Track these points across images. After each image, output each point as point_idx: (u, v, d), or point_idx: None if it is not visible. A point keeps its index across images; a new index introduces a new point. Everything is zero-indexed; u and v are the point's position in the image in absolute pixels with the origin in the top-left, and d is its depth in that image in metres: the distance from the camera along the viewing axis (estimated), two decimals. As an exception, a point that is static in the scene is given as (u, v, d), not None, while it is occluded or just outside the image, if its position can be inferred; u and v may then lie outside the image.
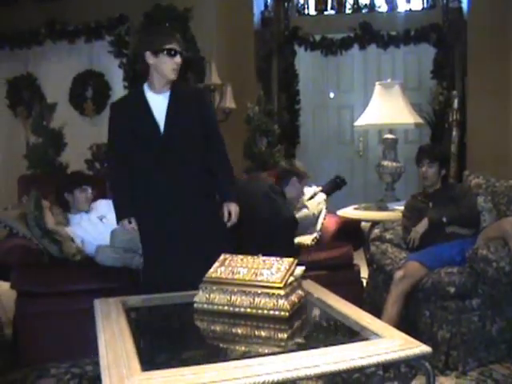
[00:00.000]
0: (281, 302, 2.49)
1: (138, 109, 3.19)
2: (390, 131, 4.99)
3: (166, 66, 3.10)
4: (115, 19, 6.86)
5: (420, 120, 5.01)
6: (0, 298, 4.45)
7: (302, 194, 4.23)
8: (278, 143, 5.72)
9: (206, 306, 2.62)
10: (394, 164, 4.85)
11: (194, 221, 3.18)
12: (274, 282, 2.54)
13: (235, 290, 2.58)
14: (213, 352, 2.36)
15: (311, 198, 4.49)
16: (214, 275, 2.66)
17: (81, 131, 6.49)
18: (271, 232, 3.70)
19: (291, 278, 2.62)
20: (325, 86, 7.77)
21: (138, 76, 5.27)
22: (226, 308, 2.58)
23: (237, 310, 2.55)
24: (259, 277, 2.58)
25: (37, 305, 3.58)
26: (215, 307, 2.60)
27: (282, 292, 2.51)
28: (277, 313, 2.49)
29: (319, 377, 2.27)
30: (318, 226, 4.35)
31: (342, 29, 7.13)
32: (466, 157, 6.54)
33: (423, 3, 7.22)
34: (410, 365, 3.05)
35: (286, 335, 2.48)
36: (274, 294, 2.51)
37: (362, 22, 7.05)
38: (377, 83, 5.02)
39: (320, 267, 3.91)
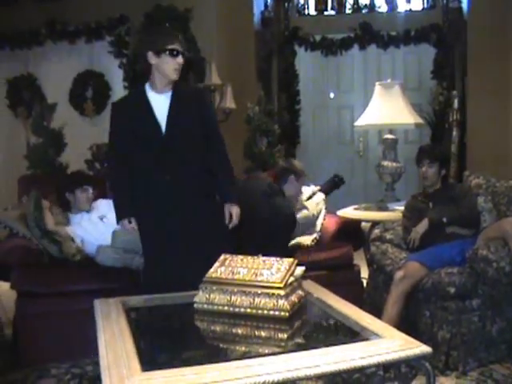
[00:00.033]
0: (281, 302, 2.49)
1: (140, 108, 3.19)
2: (390, 131, 4.99)
3: (168, 66, 3.11)
4: (115, 19, 6.86)
5: (420, 120, 5.01)
6: (0, 298, 4.45)
7: (301, 192, 4.22)
8: (278, 143, 5.72)
9: (206, 306, 2.62)
10: (394, 164, 4.85)
11: (193, 221, 3.18)
12: (274, 282, 2.54)
13: (235, 290, 2.58)
14: (213, 352, 2.36)
15: (309, 197, 4.49)
16: (214, 275, 2.66)
17: (81, 131, 6.49)
18: (271, 231, 3.70)
19: (291, 279, 2.62)
20: (325, 86, 7.77)
21: (137, 76, 5.28)
22: (226, 308, 2.58)
23: (237, 310, 2.56)
24: (259, 277, 2.58)
25: (37, 305, 3.58)
26: (215, 307, 2.60)
27: (282, 292, 2.51)
28: (277, 313, 2.49)
29: (319, 377, 2.27)
30: (318, 227, 4.35)
31: (342, 29, 7.13)
32: (466, 157, 6.54)
33: (423, 3, 7.23)
34: (411, 365, 3.04)
35: (286, 335, 2.48)
36: (274, 294, 2.51)
37: (362, 22, 7.05)
38: (377, 83, 5.02)
39: (320, 267, 3.91)
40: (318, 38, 7.23)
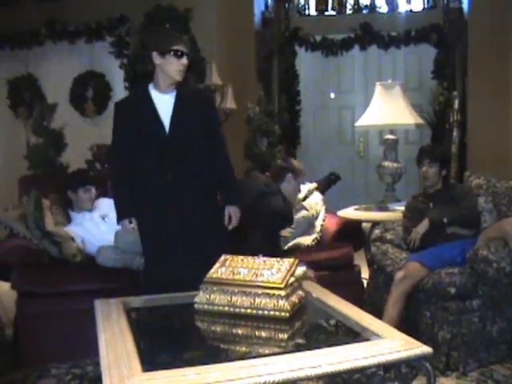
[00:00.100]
0: (281, 302, 2.49)
1: (143, 108, 3.20)
2: (391, 132, 4.99)
3: (172, 66, 3.11)
4: (116, 20, 6.86)
5: (421, 120, 5.01)
6: (1, 298, 4.45)
7: (299, 190, 4.21)
8: (279, 144, 5.72)
9: (206, 306, 2.62)
10: (395, 164, 4.85)
11: (193, 221, 3.19)
12: (275, 283, 2.54)
13: (236, 290, 2.58)
14: (213, 353, 2.36)
15: (306, 197, 4.50)
16: (214, 276, 2.66)
17: (81, 132, 6.49)
18: (265, 230, 3.68)
19: (292, 279, 2.62)
20: (325, 87, 7.78)
21: (138, 77, 5.28)
22: (226, 309, 2.57)
23: (237, 310, 2.55)
24: (260, 277, 2.58)
25: (37, 305, 3.58)
26: (216, 308, 2.60)
27: (282, 293, 2.50)
28: (277, 313, 2.49)
29: (320, 377, 2.27)
30: (318, 227, 4.35)
31: (342, 29, 7.14)
32: (467, 157, 6.54)
33: (424, 4, 7.23)
34: (411, 365, 3.04)
35: (286, 336, 2.48)
36: (274, 294, 2.51)
37: (363, 22, 7.06)
38: (377, 84, 5.02)
39: (320, 268, 3.90)
40: (318, 38, 7.23)
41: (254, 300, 2.53)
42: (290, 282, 2.59)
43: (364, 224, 4.76)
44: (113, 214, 3.51)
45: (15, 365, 3.47)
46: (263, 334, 2.52)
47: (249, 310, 2.53)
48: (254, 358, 2.11)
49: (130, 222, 3.23)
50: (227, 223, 3.30)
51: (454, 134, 6.27)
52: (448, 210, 3.69)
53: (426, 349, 2.09)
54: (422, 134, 6.90)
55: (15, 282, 3.65)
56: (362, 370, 2.09)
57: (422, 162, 3.88)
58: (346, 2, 7.39)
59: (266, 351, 2.35)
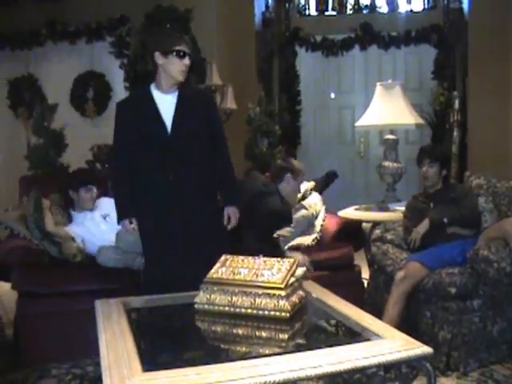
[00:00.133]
0: (281, 302, 2.49)
1: (145, 108, 3.20)
2: (391, 132, 4.99)
3: (175, 67, 3.12)
4: (116, 20, 6.88)
5: (421, 121, 5.01)
6: (1, 298, 4.46)
7: (299, 190, 4.19)
8: (279, 144, 5.72)
9: (206, 306, 2.62)
10: (395, 164, 4.85)
11: (194, 221, 3.19)
12: (275, 283, 2.54)
13: (236, 290, 2.58)
14: (214, 353, 2.36)
15: (304, 197, 4.50)
16: (215, 276, 2.66)
17: (82, 132, 6.50)
18: (260, 229, 3.68)
19: (292, 279, 2.62)
20: (326, 87, 7.78)
21: (138, 77, 5.28)
22: (226, 309, 2.58)
23: (238, 310, 2.56)
24: (260, 277, 2.58)
25: (38, 305, 3.58)
26: (216, 308, 2.60)
27: (282, 293, 2.51)
28: (278, 313, 2.49)
29: (320, 377, 2.27)
30: (318, 227, 4.35)
31: (342, 29, 7.14)
32: (467, 157, 6.54)
33: (424, 4, 7.24)
34: (411, 365, 3.04)
35: (286, 336, 2.48)
36: (274, 294, 2.51)
37: (363, 22, 7.07)
38: (378, 84, 5.02)
39: (321, 268, 3.90)
40: (318, 38, 7.24)
41: (255, 300, 2.53)
42: (291, 282, 2.59)
43: (364, 224, 4.76)
44: (114, 214, 3.50)
45: (16, 365, 3.47)
46: (264, 334, 2.52)
47: (249, 310, 2.53)
48: (255, 358, 2.11)
49: (131, 223, 3.23)
50: (226, 223, 3.30)
51: (455, 134, 6.27)
52: (448, 210, 3.69)
53: (426, 349, 2.09)
54: (422, 134, 6.90)
55: (16, 283, 3.65)
56: (362, 370, 2.09)
57: (422, 161, 3.88)
58: (346, 2, 7.39)
59: (267, 351, 2.35)
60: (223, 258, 2.77)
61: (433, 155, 3.86)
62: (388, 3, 7.29)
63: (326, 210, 4.50)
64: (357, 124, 5.12)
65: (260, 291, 2.54)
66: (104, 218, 4.06)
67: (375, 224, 4.47)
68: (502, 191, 3.90)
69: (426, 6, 7.22)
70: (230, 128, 5.09)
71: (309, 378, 1.94)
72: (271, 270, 2.61)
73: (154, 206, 3.20)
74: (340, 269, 4.09)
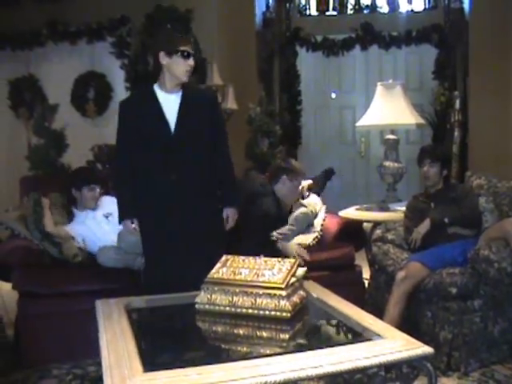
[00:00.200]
0: (282, 302, 2.50)
1: (149, 107, 3.19)
2: (392, 132, 4.98)
3: (179, 67, 3.11)
4: (116, 20, 6.87)
5: (421, 121, 5.00)
6: (2, 298, 4.46)
7: (296, 192, 4.17)
8: (280, 144, 5.72)
9: (207, 306, 2.62)
10: (396, 165, 4.85)
11: (197, 221, 3.19)
12: (276, 283, 2.54)
13: (237, 290, 2.58)
14: (214, 353, 2.36)
15: (302, 196, 4.51)
16: (215, 276, 2.66)
17: (82, 132, 6.49)
18: (253, 230, 3.68)
19: (293, 279, 2.62)
20: (326, 87, 7.78)
21: (139, 77, 5.28)
22: (227, 309, 2.58)
23: (238, 310, 2.56)
24: (261, 277, 2.59)
25: (38, 305, 3.58)
26: (217, 308, 2.60)
27: (283, 293, 2.51)
28: (278, 313, 2.49)
29: (321, 377, 2.27)
30: (318, 227, 4.35)
31: (343, 29, 7.14)
32: (468, 157, 6.54)
33: (425, 4, 7.23)
34: (412, 365, 3.04)
35: (287, 336, 2.48)
36: (275, 294, 2.51)
37: (364, 22, 7.06)
38: (378, 84, 5.02)
39: (321, 268, 3.90)
40: (319, 38, 7.24)
41: (255, 300, 2.53)
42: (291, 282, 2.59)
43: (365, 224, 4.76)
44: (116, 213, 3.49)
45: (16, 365, 3.47)
46: (264, 334, 2.52)
47: (250, 311, 2.54)
48: (256, 358, 2.11)
49: (132, 223, 3.23)
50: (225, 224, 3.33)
51: (455, 134, 6.28)
52: (449, 210, 3.69)
53: (427, 349, 2.09)
54: (422, 134, 6.90)
55: (16, 283, 3.65)
56: (363, 370, 2.09)
57: (423, 161, 3.87)
58: (346, 2, 7.39)
59: (268, 351, 2.35)
60: (224, 258, 2.77)
61: (433, 155, 3.86)
62: (389, 3, 7.28)
63: (327, 210, 4.50)
64: (357, 124, 5.12)
65: (261, 291, 2.54)
66: (106, 217, 4.05)
67: (376, 224, 4.47)
68: (503, 191, 3.89)
69: (427, 6, 7.22)
70: (230, 128, 5.08)
71: (310, 378, 1.94)
72: (272, 270, 2.61)
73: (155, 206, 3.20)
74: (341, 269, 4.09)
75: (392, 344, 2.14)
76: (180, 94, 3.20)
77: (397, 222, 4.15)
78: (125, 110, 3.26)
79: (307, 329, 2.67)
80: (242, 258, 2.74)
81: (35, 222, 3.87)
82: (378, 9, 7.30)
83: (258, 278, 2.59)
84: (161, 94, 3.19)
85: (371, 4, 7.31)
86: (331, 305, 2.68)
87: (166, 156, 3.16)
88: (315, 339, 2.55)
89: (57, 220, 3.99)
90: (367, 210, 4.82)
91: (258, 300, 2.53)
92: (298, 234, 4.30)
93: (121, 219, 3.26)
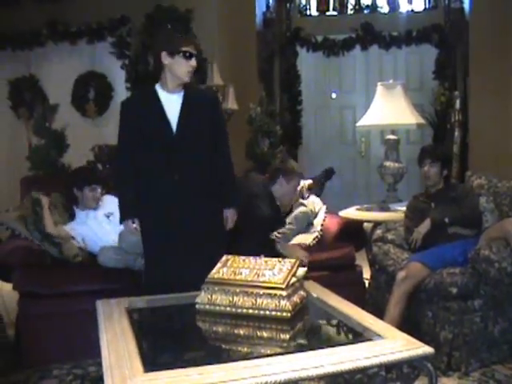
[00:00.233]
0: (283, 302, 2.49)
1: (151, 107, 3.19)
2: (392, 132, 4.98)
3: (181, 67, 3.11)
4: (117, 20, 6.88)
5: (422, 121, 5.00)
6: (3, 299, 4.46)
7: (294, 193, 4.16)
8: (280, 144, 5.72)
9: (207, 306, 2.62)
10: (396, 165, 4.85)
11: (198, 221, 3.19)
12: (276, 283, 2.54)
13: (237, 290, 2.58)
14: (215, 353, 2.36)
15: (302, 195, 4.51)
16: (216, 276, 2.66)
17: (83, 132, 6.49)
18: (248, 231, 3.68)
19: (293, 279, 2.62)
20: (327, 87, 7.78)
21: (140, 77, 5.28)
22: (228, 309, 2.58)
23: (239, 310, 2.56)
24: (261, 277, 2.59)
25: (39, 306, 3.58)
26: (217, 308, 2.60)
27: (284, 293, 2.51)
28: (279, 313, 2.49)
29: (322, 377, 2.27)
30: (318, 227, 4.35)
31: (343, 29, 7.15)
32: (468, 157, 6.54)
33: (425, 4, 7.24)
34: (413, 365, 3.03)
35: (288, 336, 2.48)
36: (276, 294, 2.51)
37: (364, 22, 7.07)
38: (379, 84, 5.02)
39: (322, 268, 3.90)
40: (319, 38, 7.25)
41: (256, 300, 2.53)
42: (292, 282, 2.59)
43: (365, 224, 4.76)
44: (118, 213, 3.49)
45: (17, 365, 3.47)
46: (265, 334, 2.52)
47: (250, 311, 2.53)
48: (256, 358, 2.11)
49: (133, 223, 3.23)
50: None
51: (456, 133, 6.28)
52: (449, 210, 3.69)
53: (427, 349, 2.09)
54: (423, 134, 6.90)
55: (17, 283, 3.65)
56: (364, 370, 2.09)
57: (423, 161, 3.87)
58: (347, 2, 7.39)
59: (268, 351, 2.35)
60: (224, 258, 2.77)
61: (434, 155, 3.86)
62: (389, 3, 7.29)
63: (327, 210, 4.50)
64: (358, 124, 5.12)
65: (261, 291, 2.54)
66: (107, 216, 4.05)
67: (376, 224, 4.47)
68: (503, 191, 3.89)
69: (427, 6, 7.22)
70: (231, 128, 5.07)
71: (310, 378, 1.94)
72: (272, 270, 2.61)
73: (158, 206, 3.20)
74: (341, 269, 4.09)
75: (392, 344, 2.14)
76: (182, 94, 3.20)
77: (397, 222, 4.15)
78: (127, 109, 3.26)
79: (308, 329, 2.67)
80: (243, 258, 2.74)
81: (35, 223, 3.87)
82: (379, 9, 7.31)
83: (259, 278, 2.59)
84: (163, 94, 3.19)
85: (371, 4, 7.31)
86: (331, 305, 2.68)
87: (168, 156, 3.16)
88: (316, 339, 2.55)
89: (56, 220, 3.99)
90: (367, 210, 4.82)
91: (259, 300, 2.53)
92: (297, 234, 4.31)
93: (122, 219, 3.25)
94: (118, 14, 6.83)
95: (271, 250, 3.74)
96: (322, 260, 4.02)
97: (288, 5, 7.33)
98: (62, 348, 3.54)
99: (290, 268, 2.62)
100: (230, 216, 3.34)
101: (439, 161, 3.84)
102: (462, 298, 3.33)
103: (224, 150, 3.32)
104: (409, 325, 3.29)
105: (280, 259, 2.72)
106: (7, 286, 3.92)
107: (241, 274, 2.63)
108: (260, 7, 7.16)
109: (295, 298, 2.59)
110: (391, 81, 5.07)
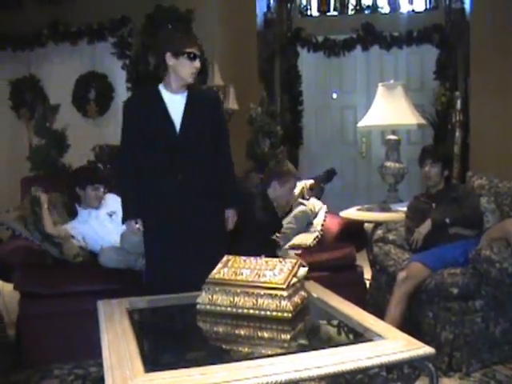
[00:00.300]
0: (283, 303, 2.49)
1: (154, 107, 3.20)
2: (393, 132, 4.98)
3: (185, 69, 3.12)
4: (117, 21, 6.88)
5: (423, 121, 5.00)
6: (3, 299, 4.46)
7: (289, 195, 4.16)
8: (281, 144, 5.71)
9: (208, 307, 2.62)
10: (397, 165, 4.85)
11: (200, 221, 3.19)
12: (277, 283, 2.54)
13: (238, 291, 2.58)
14: (216, 353, 2.36)
15: (302, 196, 4.51)
16: (217, 276, 2.66)
17: (83, 133, 6.49)
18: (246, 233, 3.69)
19: (294, 279, 2.62)
20: (327, 87, 7.76)
21: (140, 77, 5.28)
22: (228, 309, 2.58)
23: (240, 311, 2.56)
24: (262, 278, 2.59)
25: (40, 306, 3.58)
26: (218, 308, 2.60)
27: (284, 293, 2.51)
28: (280, 314, 2.49)
29: (323, 377, 2.27)
30: (319, 227, 4.35)
31: (344, 30, 7.14)
32: (469, 157, 6.53)
33: (426, 4, 7.23)
34: (413, 366, 3.03)
35: (289, 336, 2.48)
36: (276, 295, 2.51)
37: (365, 22, 7.07)
38: (379, 84, 5.02)
39: (323, 268, 3.90)
40: (320, 38, 7.25)
41: (257, 300, 2.53)
42: (293, 282, 2.59)
43: (366, 224, 4.76)
44: (120, 212, 3.49)
45: (18, 365, 3.47)
46: (266, 334, 2.52)
47: (251, 311, 2.53)
48: (258, 358, 2.11)
49: (136, 223, 3.23)
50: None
51: (457, 134, 6.27)
52: (450, 211, 3.69)
53: (428, 349, 2.09)
54: (424, 135, 6.89)
55: (18, 283, 3.65)
56: (365, 371, 2.09)
57: (424, 162, 3.87)
58: (348, 3, 7.39)
59: (269, 352, 2.35)
60: (225, 258, 2.77)
61: (435, 155, 3.86)
62: (390, 3, 7.28)
63: (328, 211, 4.50)
64: (359, 124, 5.12)
65: (262, 292, 2.54)
66: (110, 215, 4.05)
67: (377, 224, 4.47)
68: (504, 191, 3.89)
69: (428, 6, 7.21)
70: (231, 128, 5.04)
71: (312, 379, 1.94)
72: (273, 271, 2.61)
73: (160, 206, 3.20)
74: (342, 269, 4.09)
75: (393, 344, 2.14)
76: (185, 94, 3.21)
77: (398, 223, 4.15)
78: (129, 109, 3.26)
79: (308, 329, 2.67)
80: (244, 258, 2.74)
81: (35, 223, 3.88)
82: (379, 9, 7.30)
83: (260, 278, 2.59)
84: (166, 95, 3.20)
85: (372, 4, 7.30)
86: (332, 305, 2.68)
87: (171, 156, 3.16)
88: (316, 340, 2.55)
89: (56, 220, 3.99)
90: (368, 210, 4.82)
91: (260, 300, 2.53)
92: (298, 233, 4.31)
93: (124, 219, 3.25)
94: (119, 14, 6.83)
95: (272, 251, 3.74)
96: (323, 260, 4.02)
97: (289, 5, 7.32)
98: (63, 348, 3.54)
99: (290, 268, 2.62)
100: (230, 216, 3.34)
101: (440, 161, 3.84)
102: (462, 299, 3.33)
103: (225, 150, 3.33)
104: (409, 325, 3.29)
105: (281, 259, 2.72)
106: (8, 286, 3.92)
107: (242, 274, 2.63)
108: (261, 7, 7.15)
109: (296, 299, 2.59)
110: (392, 81, 5.07)
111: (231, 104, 6.13)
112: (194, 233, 3.18)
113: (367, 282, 4.25)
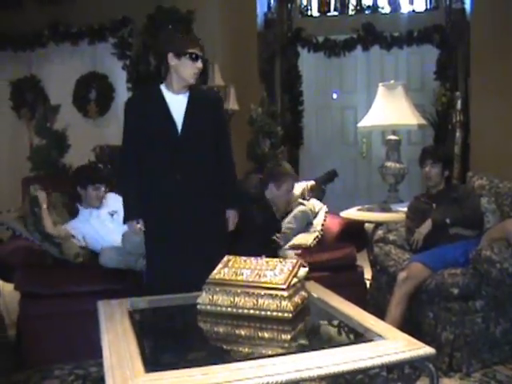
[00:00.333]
0: (284, 303, 2.49)
1: (156, 107, 3.20)
2: (393, 132, 4.98)
3: (187, 69, 3.12)
4: (118, 21, 6.89)
5: (423, 121, 5.00)
6: (4, 299, 4.46)
7: (286, 196, 4.16)
8: (281, 144, 5.72)
9: (209, 307, 2.62)
10: (398, 165, 4.85)
11: (200, 221, 3.19)
12: (277, 284, 2.54)
13: (238, 291, 2.58)
14: (216, 353, 2.36)
15: (304, 197, 4.51)
16: (217, 276, 2.66)
17: (84, 133, 6.50)
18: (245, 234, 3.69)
19: (294, 280, 2.62)
20: (328, 87, 7.76)
21: (141, 78, 5.28)
22: (229, 309, 2.58)
23: (240, 311, 2.56)
24: (262, 278, 2.59)
25: (40, 306, 3.58)
26: (218, 309, 2.60)
27: (285, 293, 2.51)
28: (280, 314, 2.49)
29: (323, 377, 2.27)
30: (319, 227, 4.35)
31: (345, 30, 7.15)
32: (470, 158, 6.53)
33: (426, 4, 7.23)
34: (414, 366, 3.03)
35: (289, 336, 2.48)
36: (277, 295, 2.51)
37: (365, 23, 7.07)
38: (380, 84, 5.02)
39: (323, 268, 3.90)
40: (320, 39, 7.25)
41: (257, 301, 2.53)
42: (293, 282, 2.59)
43: (367, 225, 4.76)
44: (122, 211, 3.49)
45: (18, 366, 3.47)
46: (266, 334, 2.52)
47: (252, 311, 2.53)
48: (260, 358, 2.11)
49: (138, 223, 3.23)
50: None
51: (457, 134, 6.27)
52: (451, 211, 3.69)
53: (428, 349, 2.10)
54: (424, 135, 6.89)
55: (18, 283, 3.65)
56: (365, 371, 2.09)
57: (424, 162, 3.87)
58: (348, 3, 7.39)
59: (270, 352, 2.35)
60: (225, 258, 2.77)
61: (435, 156, 3.86)
62: (390, 3, 7.28)
63: (328, 211, 4.50)
64: (359, 124, 5.12)
65: (262, 292, 2.54)
66: (111, 215, 4.05)
67: (377, 225, 4.47)
68: (505, 192, 3.89)
69: (428, 7, 7.21)
70: (232, 128, 5.10)
71: (312, 379, 1.94)
72: (274, 271, 2.61)
73: (160, 206, 3.20)
74: (342, 269, 4.09)
75: (394, 345, 2.14)
76: (187, 94, 3.21)
77: (398, 223, 4.15)
78: (131, 108, 3.26)
79: (309, 329, 2.67)
80: (244, 258, 2.74)
81: (34, 224, 3.88)
82: (380, 9, 7.30)
83: (260, 278, 2.59)
84: (168, 95, 3.20)
85: (373, 4, 7.30)
86: (333, 305, 2.68)
87: (172, 156, 3.17)
88: (317, 340, 2.55)
89: (55, 220, 3.99)
90: (369, 210, 4.82)
91: (260, 301, 2.53)
92: (298, 233, 4.30)
93: (126, 219, 3.25)
94: (120, 14, 6.84)
95: (272, 251, 3.74)
96: (323, 260, 4.02)
97: (289, 5, 7.33)
98: (64, 348, 3.54)
99: (291, 268, 2.62)
100: (231, 217, 3.35)
101: (440, 161, 3.84)
102: (463, 299, 3.33)
103: (226, 150, 3.33)
104: (410, 325, 3.29)
105: (281, 260, 2.72)
106: (8, 287, 3.92)
107: (242, 274, 2.63)
108: (261, 8, 7.16)
109: (296, 299, 2.59)
110: (392, 81, 5.07)
111: (232, 104, 6.14)
112: (195, 233, 3.18)
113: (367, 283, 4.25)
